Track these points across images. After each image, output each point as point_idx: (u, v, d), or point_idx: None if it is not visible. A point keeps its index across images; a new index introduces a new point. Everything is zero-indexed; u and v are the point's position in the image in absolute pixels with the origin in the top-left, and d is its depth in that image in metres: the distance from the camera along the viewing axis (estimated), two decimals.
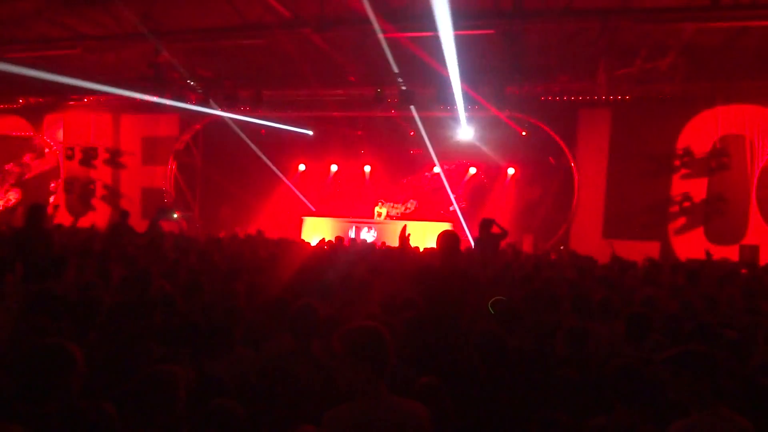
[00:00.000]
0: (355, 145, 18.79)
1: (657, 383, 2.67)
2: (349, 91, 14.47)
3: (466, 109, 13.46)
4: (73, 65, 13.41)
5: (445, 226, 14.48)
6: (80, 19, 11.44)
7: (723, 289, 6.55)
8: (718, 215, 13.12)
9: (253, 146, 16.82)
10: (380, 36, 9.77)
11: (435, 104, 13.31)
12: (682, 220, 13.57)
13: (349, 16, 9.75)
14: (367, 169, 19.09)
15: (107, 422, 2.38)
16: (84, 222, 16.22)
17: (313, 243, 12.22)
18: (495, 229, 8.23)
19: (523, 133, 15.20)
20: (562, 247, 13.95)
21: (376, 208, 17.67)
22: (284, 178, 18.46)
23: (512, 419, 3.07)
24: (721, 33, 10.53)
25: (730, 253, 12.30)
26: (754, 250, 12.25)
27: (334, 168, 19.70)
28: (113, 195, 18.06)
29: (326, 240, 12.11)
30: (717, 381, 2.46)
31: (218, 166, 17.96)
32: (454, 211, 17.52)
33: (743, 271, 9.37)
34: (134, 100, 16.38)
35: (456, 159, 18.18)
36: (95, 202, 18.25)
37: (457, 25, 8.94)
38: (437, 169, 18.75)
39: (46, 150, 18.81)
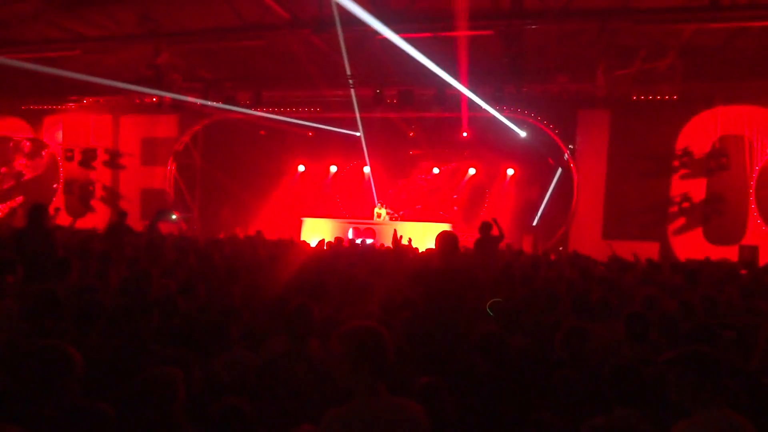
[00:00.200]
0: (355, 145, 18.77)
1: (656, 383, 2.67)
2: (349, 91, 14.46)
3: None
4: (72, 66, 13.41)
5: (445, 226, 14.51)
6: (80, 20, 11.45)
7: (722, 290, 6.55)
8: (718, 216, 13.13)
9: (252, 147, 16.81)
10: (380, 37, 9.78)
11: (434, 104, 13.33)
12: (681, 221, 13.59)
13: (348, 17, 9.75)
14: (367, 170, 19.09)
15: (105, 423, 2.39)
16: (83, 223, 16.21)
17: (313, 244, 12.22)
18: (495, 231, 8.27)
19: (523, 134, 15.21)
20: (561, 248, 13.95)
21: (376, 209, 17.64)
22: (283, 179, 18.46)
23: (512, 419, 3.07)
24: (720, 33, 10.54)
25: (730, 253, 12.31)
26: (754, 250, 12.26)
27: (333, 169, 19.71)
28: (113, 196, 18.04)
29: (326, 241, 12.10)
30: (719, 381, 2.46)
31: (218, 167, 17.94)
32: (454, 211, 17.51)
33: (742, 271, 9.36)
34: (133, 101, 16.42)
35: (456, 159, 18.18)
36: (95, 203, 18.24)
37: (456, 25, 8.95)
38: (436, 170, 18.79)
39: (44, 152, 18.79)
